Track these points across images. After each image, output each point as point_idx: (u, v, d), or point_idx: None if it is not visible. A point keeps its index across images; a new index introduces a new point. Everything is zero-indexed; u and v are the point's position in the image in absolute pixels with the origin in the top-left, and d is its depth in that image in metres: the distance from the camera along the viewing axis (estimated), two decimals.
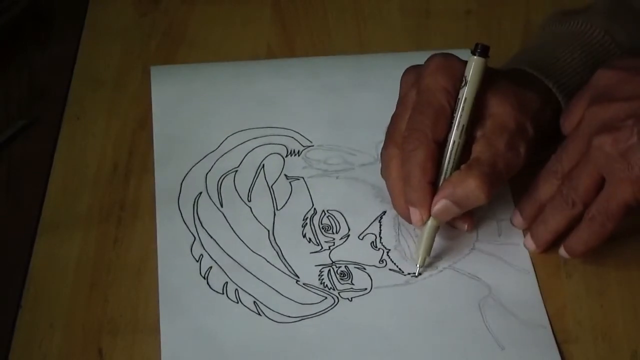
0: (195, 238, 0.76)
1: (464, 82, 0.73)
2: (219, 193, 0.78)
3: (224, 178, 0.79)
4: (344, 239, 0.76)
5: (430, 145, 0.73)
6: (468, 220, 0.76)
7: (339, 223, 0.77)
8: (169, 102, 0.85)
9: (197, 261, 0.75)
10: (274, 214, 0.77)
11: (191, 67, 0.88)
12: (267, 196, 0.78)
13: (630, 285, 0.74)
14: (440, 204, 0.72)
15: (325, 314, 0.72)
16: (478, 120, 0.74)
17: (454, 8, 0.93)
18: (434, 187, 0.73)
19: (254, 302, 0.72)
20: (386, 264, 0.75)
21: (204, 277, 0.74)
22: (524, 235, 0.76)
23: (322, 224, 0.77)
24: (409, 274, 0.74)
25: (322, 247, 0.75)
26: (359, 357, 0.70)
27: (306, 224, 0.77)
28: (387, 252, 0.75)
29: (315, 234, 0.76)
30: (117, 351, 0.71)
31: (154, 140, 0.82)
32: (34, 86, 0.88)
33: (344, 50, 0.90)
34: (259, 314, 0.72)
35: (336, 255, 0.75)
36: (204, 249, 0.75)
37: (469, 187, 0.72)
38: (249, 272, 0.74)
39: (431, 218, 0.73)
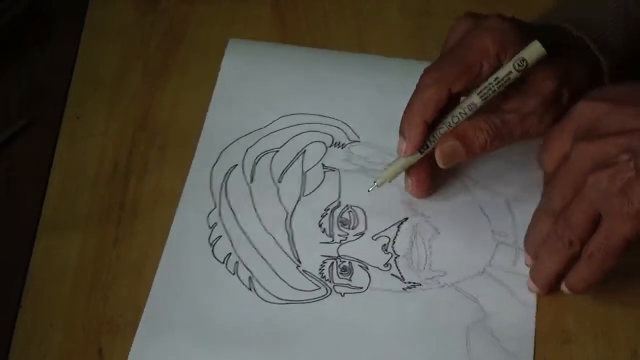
0: (215, 206, 0.78)
1: (515, 60, 0.73)
2: (253, 169, 0.80)
3: (263, 156, 0.81)
4: (357, 237, 0.76)
5: (442, 89, 0.73)
6: (424, 185, 0.77)
7: (357, 220, 0.77)
8: (235, 74, 0.86)
9: (210, 228, 0.76)
10: (298, 199, 0.78)
11: (266, 45, 0.89)
12: (297, 181, 0.79)
13: (630, 284, 0.74)
14: (448, 143, 0.73)
15: (314, 303, 0.73)
16: (515, 86, 0.74)
17: (454, 8, 0.92)
18: (427, 128, 0.73)
19: (249, 277, 0.74)
20: (390, 268, 0.75)
21: (211, 245, 0.76)
22: None
23: (341, 217, 0.77)
24: (409, 282, 0.74)
25: (333, 240, 0.76)
26: (334, 351, 0.70)
27: (326, 214, 0.77)
28: (395, 258, 0.75)
29: (331, 225, 0.77)
30: (117, 351, 0.71)
31: (209, 107, 0.84)
32: (34, 86, 0.88)
33: (344, 50, 0.90)
34: (250, 289, 0.73)
35: (344, 250, 0.76)
36: (220, 217, 0.77)
37: (481, 134, 0.72)
38: (254, 248, 0.75)
39: (413, 155, 0.74)
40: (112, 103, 0.87)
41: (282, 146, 0.81)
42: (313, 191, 0.79)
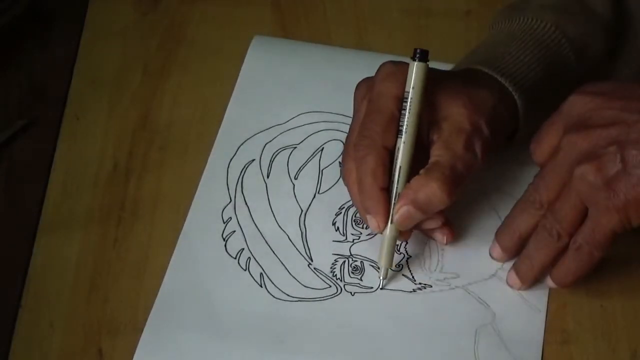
0: (230, 201, 0.78)
1: (406, 88, 0.72)
2: (270, 164, 0.80)
3: (280, 152, 0.81)
4: (370, 236, 0.76)
5: (379, 151, 0.72)
6: (447, 232, 0.75)
7: None
8: (257, 69, 0.87)
9: (224, 223, 0.77)
10: (314, 196, 0.78)
11: (290, 43, 0.90)
12: (314, 178, 0.79)
13: (630, 285, 0.74)
14: (402, 210, 0.72)
15: (324, 301, 0.73)
16: (433, 124, 0.73)
17: (454, 8, 0.93)
18: (387, 194, 0.72)
19: (261, 273, 0.74)
20: (401, 268, 0.75)
21: (224, 239, 0.76)
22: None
23: (355, 216, 0.77)
24: (420, 283, 0.74)
25: (346, 238, 0.76)
26: (342, 349, 0.70)
27: (340, 213, 0.77)
28: (407, 259, 0.75)
29: (344, 224, 0.77)
30: (117, 351, 0.71)
31: (230, 101, 0.84)
32: (34, 86, 0.88)
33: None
34: (261, 286, 0.74)
35: (356, 249, 0.76)
36: (235, 213, 0.77)
37: (430, 190, 0.71)
38: (267, 244, 0.76)
39: (390, 227, 0.72)
40: (112, 103, 0.87)
41: (300, 143, 0.82)
42: (329, 189, 0.79)
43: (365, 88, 0.75)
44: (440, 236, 0.75)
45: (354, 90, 0.77)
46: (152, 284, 0.74)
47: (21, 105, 0.86)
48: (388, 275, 0.74)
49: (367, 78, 0.76)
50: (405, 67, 0.73)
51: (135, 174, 0.81)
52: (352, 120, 0.76)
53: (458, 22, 0.92)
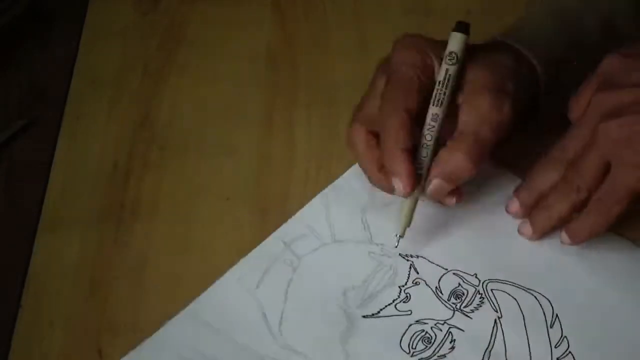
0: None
1: (445, 58, 0.73)
2: None
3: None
4: None
5: (402, 114, 0.72)
6: (456, 194, 0.75)
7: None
8: None
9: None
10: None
11: None
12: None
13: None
14: (433, 182, 0.72)
15: None
16: (458, 91, 0.73)
17: (454, 8, 0.93)
18: (411, 156, 0.72)
19: None
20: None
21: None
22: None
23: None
24: None
25: None
26: None
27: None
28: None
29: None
30: (117, 351, 0.71)
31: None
32: (34, 86, 0.88)
33: (344, 50, 0.90)
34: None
35: None
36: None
37: (457, 162, 0.71)
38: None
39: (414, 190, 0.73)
40: (112, 103, 0.87)
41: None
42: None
43: (383, 65, 0.76)
44: (450, 199, 0.75)
45: None
46: (152, 284, 0.74)
47: (21, 105, 0.86)
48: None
49: (386, 57, 0.76)
50: (422, 37, 0.74)
51: (135, 174, 0.81)
52: (367, 90, 0.76)
53: None
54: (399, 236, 0.74)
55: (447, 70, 0.73)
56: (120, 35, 0.92)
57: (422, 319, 0.72)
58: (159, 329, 0.71)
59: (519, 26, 0.79)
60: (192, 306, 0.72)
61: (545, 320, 0.71)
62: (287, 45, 0.91)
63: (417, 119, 0.73)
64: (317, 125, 0.85)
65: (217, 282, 0.74)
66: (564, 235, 0.73)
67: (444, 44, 0.74)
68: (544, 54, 0.77)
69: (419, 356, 0.70)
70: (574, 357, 0.70)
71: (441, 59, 0.73)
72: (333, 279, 0.74)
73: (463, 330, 0.71)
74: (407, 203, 0.73)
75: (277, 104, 0.87)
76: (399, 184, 0.72)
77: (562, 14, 0.80)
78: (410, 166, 0.72)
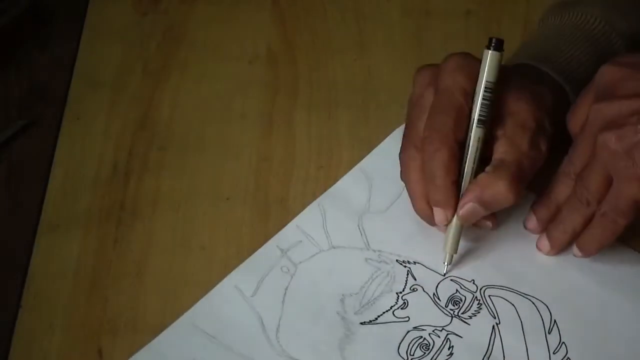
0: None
1: (479, 79, 0.73)
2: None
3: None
4: None
5: (452, 145, 0.72)
6: (492, 218, 0.75)
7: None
8: None
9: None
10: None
11: None
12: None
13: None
14: (467, 206, 0.72)
15: None
16: (497, 119, 0.73)
17: (454, 8, 0.93)
18: (456, 187, 0.73)
19: None
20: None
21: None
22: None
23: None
24: None
25: None
26: None
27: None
28: None
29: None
30: (117, 351, 0.71)
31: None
32: (34, 86, 0.88)
33: (344, 50, 0.90)
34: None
35: None
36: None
37: (498, 190, 0.71)
38: None
39: (456, 216, 0.73)
40: (112, 103, 0.87)
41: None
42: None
43: (429, 75, 0.75)
44: (486, 223, 0.75)
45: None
46: (151, 284, 0.74)
47: (21, 105, 0.86)
48: (452, 261, 0.74)
49: (430, 65, 0.75)
50: (473, 60, 0.73)
51: (135, 174, 0.81)
52: (413, 107, 0.75)
53: (458, 22, 0.92)
54: (447, 264, 0.74)
55: (488, 95, 0.72)
56: (120, 35, 0.92)
57: (420, 326, 0.72)
58: (157, 331, 0.71)
59: (550, 50, 0.79)
60: (188, 314, 0.72)
61: (544, 326, 0.71)
62: (287, 45, 0.91)
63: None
64: (317, 125, 0.85)
65: (214, 290, 0.73)
66: (575, 248, 0.73)
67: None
68: (577, 84, 0.77)
69: None
70: None
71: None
72: (330, 286, 0.74)
73: (461, 337, 0.71)
74: (452, 232, 0.73)
75: (277, 104, 0.87)
76: (441, 214, 0.73)
77: (589, 36, 0.79)
78: (456, 198, 0.72)
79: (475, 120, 0.72)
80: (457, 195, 0.73)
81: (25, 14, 0.91)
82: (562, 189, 0.74)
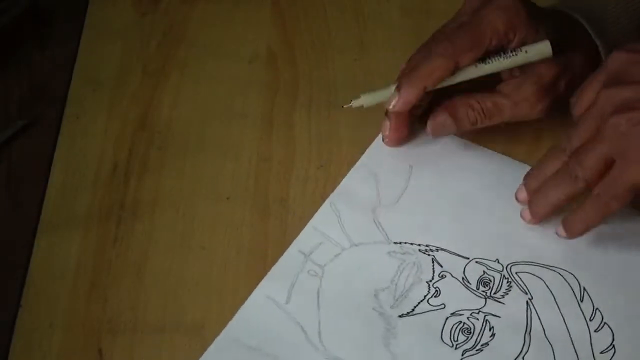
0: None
1: (524, 49, 0.76)
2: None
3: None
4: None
5: (451, 62, 0.76)
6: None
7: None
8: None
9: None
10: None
11: None
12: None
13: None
14: (440, 117, 0.77)
15: None
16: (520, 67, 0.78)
17: (454, 8, 0.92)
18: (423, 94, 0.76)
19: None
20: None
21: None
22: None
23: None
24: None
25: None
26: None
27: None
28: None
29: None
30: (117, 351, 0.71)
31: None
32: (34, 86, 0.88)
33: (344, 50, 0.90)
34: None
35: None
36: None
37: (465, 112, 0.77)
38: None
39: (395, 100, 0.77)
40: (112, 103, 0.87)
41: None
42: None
43: (478, 2, 0.78)
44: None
45: None
46: (151, 284, 0.74)
47: (21, 105, 0.86)
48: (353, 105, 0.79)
49: None
50: (521, 7, 0.76)
51: (135, 174, 0.81)
52: (452, 20, 0.80)
53: None
54: (351, 103, 0.79)
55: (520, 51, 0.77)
56: (120, 35, 0.92)
57: (457, 311, 0.72)
58: (157, 331, 0.72)
59: (599, 11, 0.80)
60: (227, 329, 0.71)
61: (575, 295, 0.72)
62: (287, 45, 0.91)
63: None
64: (317, 125, 0.85)
65: (247, 302, 0.73)
66: (560, 228, 0.74)
67: (533, 23, 0.77)
68: (614, 45, 0.77)
69: (463, 347, 0.71)
70: (610, 328, 0.71)
71: (533, 31, 0.77)
72: (361, 283, 0.74)
73: (499, 317, 0.72)
74: (381, 94, 0.78)
75: (277, 104, 0.87)
76: (395, 99, 0.77)
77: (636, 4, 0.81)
78: (416, 101, 0.77)
79: (490, 63, 0.77)
80: (418, 97, 0.77)
81: (25, 14, 0.91)
82: (554, 164, 0.74)
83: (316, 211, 0.78)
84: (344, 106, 0.79)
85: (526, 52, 0.76)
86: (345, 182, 0.80)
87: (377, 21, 0.93)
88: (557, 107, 0.79)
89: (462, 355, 0.70)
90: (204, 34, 0.92)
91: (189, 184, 0.81)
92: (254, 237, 0.77)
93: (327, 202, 0.78)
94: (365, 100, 0.79)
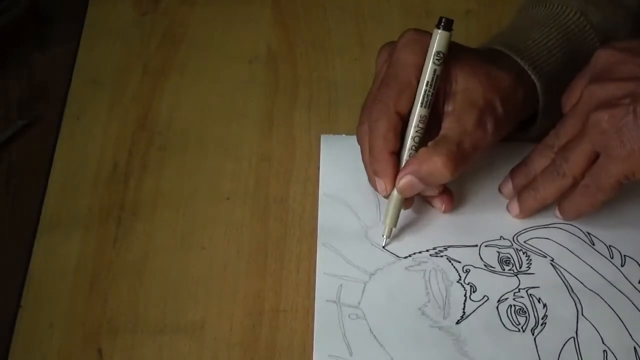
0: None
1: (427, 56, 0.73)
2: None
3: None
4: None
5: (392, 116, 0.73)
6: (445, 200, 0.77)
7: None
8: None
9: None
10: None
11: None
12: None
13: None
14: (405, 179, 0.74)
15: None
16: (447, 96, 0.74)
17: (454, 8, 0.93)
18: (396, 158, 0.74)
19: None
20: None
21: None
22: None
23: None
24: None
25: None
26: None
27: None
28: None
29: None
30: (117, 351, 0.71)
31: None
32: (34, 86, 0.88)
33: (344, 50, 0.90)
34: None
35: None
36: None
37: (434, 165, 0.72)
38: None
39: (396, 189, 0.74)
40: (112, 103, 0.87)
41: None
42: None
43: (386, 53, 0.76)
44: (439, 204, 0.77)
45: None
46: (151, 284, 0.74)
47: (21, 105, 0.86)
48: (392, 235, 0.76)
49: (390, 42, 0.77)
50: (427, 36, 0.74)
51: (135, 174, 0.81)
52: (372, 84, 0.77)
53: (458, 22, 0.91)
54: (386, 237, 0.75)
55: (434, 70, 0.73)
56: (120, 35, 0.92)
57: (501, 297, 0.73)
58: (157, 331, 0.72)
59: (522, 37, 0.79)
60: None
61: (585, 242, 0.75)
62: (287, 45, 0.91)
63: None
64: (317, 125, 0.85)
65: None
66: (556, 211, 0.76)
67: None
68: (547, 74, 0.77)
69: (529, 327, 0.71)
70: (633, 259, 0.74)
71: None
72: (402, 307, 0.73)
73: (538, 287, 0.73)
74: (392, 204, 0.75)
75: (277, 104, 0.87)
76: (381, 184, 0.74)
77: (564, 27, 0.80)
78: (395, 169, 0.74)
79: (420, 96, 0.73)
80: (396, 167, 0.74)
81: (25, 14, 0.91)
82: (542, 161, 0.75)
83: (316, 211, 0.78)
84: (384, 246, 0.76)
85: (435, 57, 0.73)
86: (321, 219, 0.78)
87: (377, 21, 0.93)
88: (508, 135, 0.77)
89: (533, 334, 0.71)
90: (204, 34, 0.92)
91: (189, 184, 0.81)
92: (254, 237, 0.77)
93: (319, 244, 0.76)
94: (389, 222, 0.75)
